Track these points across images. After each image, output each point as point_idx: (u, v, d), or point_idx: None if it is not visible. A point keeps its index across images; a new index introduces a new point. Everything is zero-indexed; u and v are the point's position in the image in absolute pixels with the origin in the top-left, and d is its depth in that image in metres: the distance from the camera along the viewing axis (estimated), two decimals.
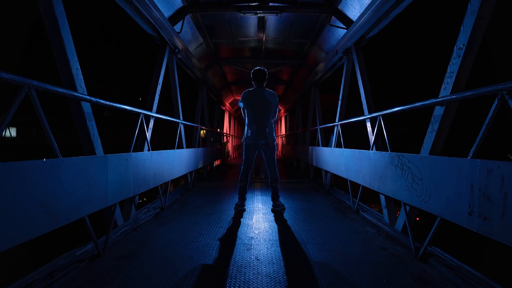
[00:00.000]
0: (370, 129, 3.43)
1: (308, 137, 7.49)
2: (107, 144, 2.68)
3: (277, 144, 14.17)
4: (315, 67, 6.78)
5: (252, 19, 5.45)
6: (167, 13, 4.27)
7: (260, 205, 3.72)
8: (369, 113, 3.59)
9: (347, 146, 4.04)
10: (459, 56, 2.06)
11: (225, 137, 11.57)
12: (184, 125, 4.78)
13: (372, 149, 3.14)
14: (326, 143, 5.98)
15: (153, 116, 3.53)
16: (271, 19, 5.46)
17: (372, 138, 3.22)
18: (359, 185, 3.29)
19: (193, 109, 7.00)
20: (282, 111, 14.46)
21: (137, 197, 3.10)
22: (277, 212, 3.36)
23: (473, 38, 1.98)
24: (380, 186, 2.71)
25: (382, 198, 2.99)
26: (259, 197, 4.28)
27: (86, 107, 2.33)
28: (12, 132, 25.33)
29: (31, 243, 1.61)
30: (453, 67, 2.10)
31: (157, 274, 1.81)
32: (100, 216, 2.35)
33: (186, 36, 5.42)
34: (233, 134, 14.91)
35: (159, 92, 3.91)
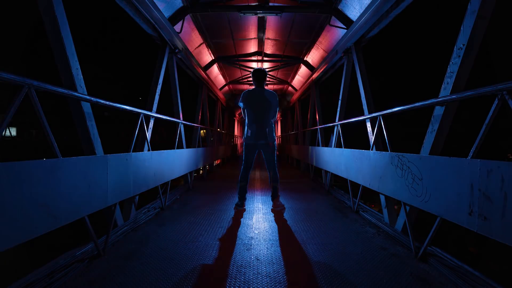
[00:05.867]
0: (370, 129, 3.43)
1: (308, 137, 7.49)
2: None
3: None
4: (315, 67, 6.78)
5: (252, 19, 5.45)
6: (167, 13, 4.27)
7: (260, 205, 3.72)
8: (369, 113, 3.59)
9: (347, 146, 4.04)
10: (459, 56, 2.06)
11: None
12: (184, 125, 4.78)
13: (372, 149, 3.14)
14: (326, 143, 5.98)
15: (153, 116, 3.54)
16: (271, 19, 5.46)
17: (372, 138, 3.22)
18: (359, 185, 3.29)
19: (193, 109, 7.00)
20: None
21: (137, 197, 3.10)
22: (277, 212, 3.36)
23: (473, 38, 1.98)
24: (380, 186, 2.71)
25: (382, 198, 2.99)
26: (259, 197, 4.28)
27: (86, 107, 2.33)
28: (12, 131, 25.41)
29: (31, 243, 1.61)
30: (453, 67, 2.10)
31: (157, 274, 1.81)
32: (100, 216, 2.35)
33: (186, 36, 5.42)
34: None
35: (159, 92, 3.92)
